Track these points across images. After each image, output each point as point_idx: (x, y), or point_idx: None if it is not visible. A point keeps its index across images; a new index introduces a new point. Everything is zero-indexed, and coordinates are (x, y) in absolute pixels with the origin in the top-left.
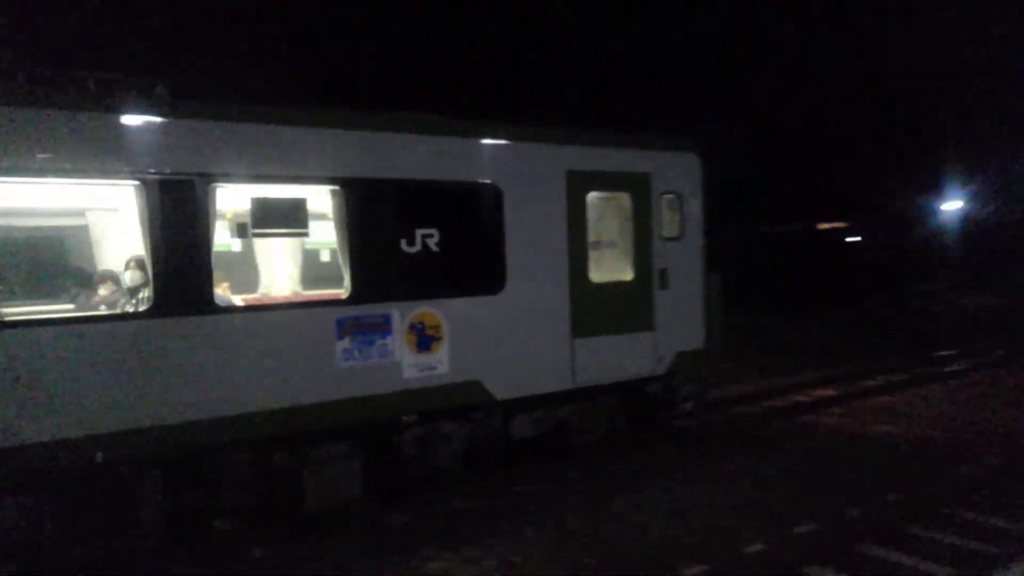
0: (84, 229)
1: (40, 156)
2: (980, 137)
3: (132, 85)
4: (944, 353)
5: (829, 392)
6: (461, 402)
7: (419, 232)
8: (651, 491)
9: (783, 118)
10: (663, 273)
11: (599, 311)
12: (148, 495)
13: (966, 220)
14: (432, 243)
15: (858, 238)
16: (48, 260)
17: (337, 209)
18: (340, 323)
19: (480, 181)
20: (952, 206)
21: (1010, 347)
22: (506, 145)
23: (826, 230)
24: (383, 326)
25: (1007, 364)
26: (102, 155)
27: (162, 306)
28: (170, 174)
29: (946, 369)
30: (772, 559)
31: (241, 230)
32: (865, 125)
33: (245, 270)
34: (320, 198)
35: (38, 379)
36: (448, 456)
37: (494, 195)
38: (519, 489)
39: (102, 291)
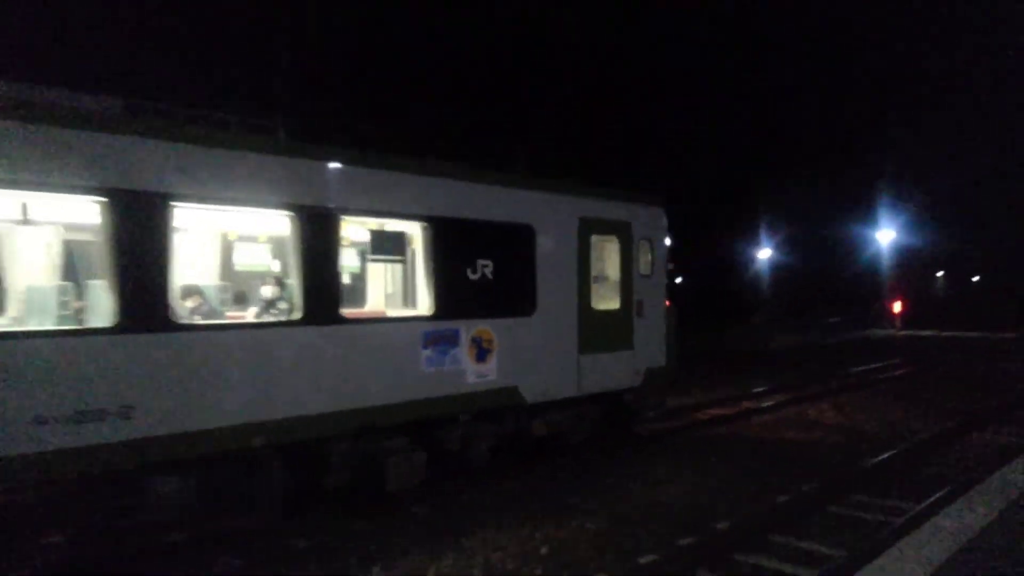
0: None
1: (235, 189)
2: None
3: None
4: (761, 389)
5: (724, 410)
6: (504, 404)
7: (479, 262)
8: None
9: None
10: (640, 304)
11: (597, 333)
12: (277, 475)
13: (775, 267)
14: (488, 271)
15: (679, 280)
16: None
17: (424, 241)
18: (425, 335)
19: (522, 222)
20: (764, 254)
21: (815, 382)
22: (539, 194)
23: None
24: (454, 339)
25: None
26: (274, 189)
27: (307, 317)
28: (314, 207)
29: (783, 398)
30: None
31: (361, 256)
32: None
33: (355, 289)
34: (412, 231)
35: (211, 374)
36: (482, 451)
37: (530, 234)
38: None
39: (189, 303)
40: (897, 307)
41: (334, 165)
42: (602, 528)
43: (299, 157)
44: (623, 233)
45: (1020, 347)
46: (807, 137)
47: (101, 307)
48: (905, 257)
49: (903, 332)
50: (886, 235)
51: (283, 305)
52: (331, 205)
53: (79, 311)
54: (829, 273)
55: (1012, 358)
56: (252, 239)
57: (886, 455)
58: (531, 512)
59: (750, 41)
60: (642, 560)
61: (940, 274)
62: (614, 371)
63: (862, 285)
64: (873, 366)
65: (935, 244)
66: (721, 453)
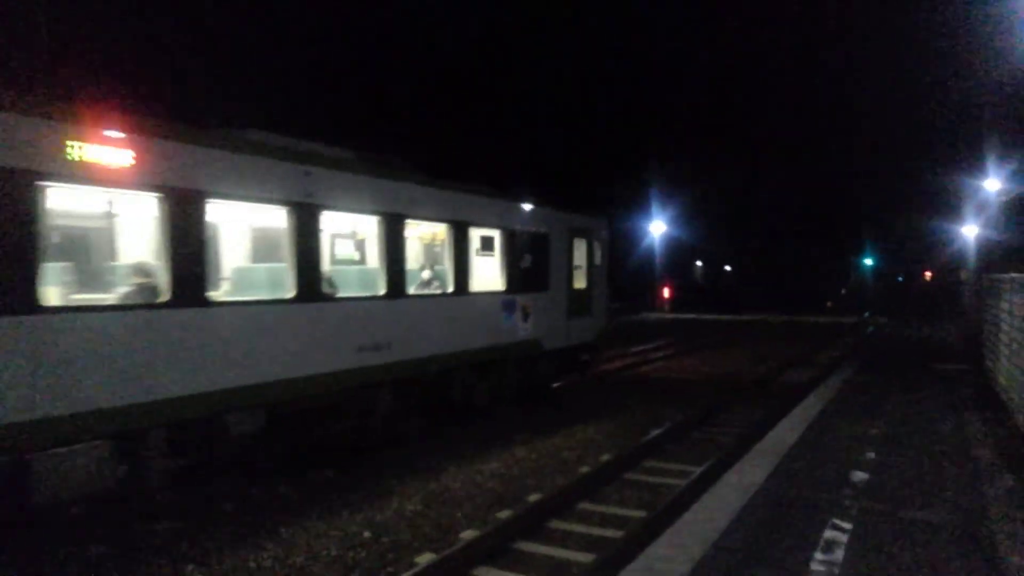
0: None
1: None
2: None
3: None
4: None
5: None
6: (533, 350)
7: (524, 256)
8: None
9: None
10: (595, 284)
11: (576, 304)
12: (414, 398)
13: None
14: (527, 263)
15: None
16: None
17: (501, 243)
18: (502, 303)
19: (544, 231)
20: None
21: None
22: (551, 212)
23: None
24: (513, 306)
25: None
26: (435, 208)
27: (455, 291)
28: (455, 220)
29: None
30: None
31: (474, 252)
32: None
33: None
34: (496, 237)
35: (423, 323)
36: (513, 386)
37: (546, 239)
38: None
39: (426, 274)
40: (666, 293)
41: (470, 196)
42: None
43: (450, 191)
44: (588, 236)
45: (774, 326)
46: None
47: (377, 282)
48: (672, 247)
49: (672, 315)
50: (658, 227)
51: (437, 284)
52: (464, 219)
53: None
54: (612, 261)
55: (774, 336)
56: (425, 240)
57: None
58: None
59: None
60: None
61: (699, 263)
62: (584, 330)
63: (641, 273)
64: (642, 347)
65: (696, 236)
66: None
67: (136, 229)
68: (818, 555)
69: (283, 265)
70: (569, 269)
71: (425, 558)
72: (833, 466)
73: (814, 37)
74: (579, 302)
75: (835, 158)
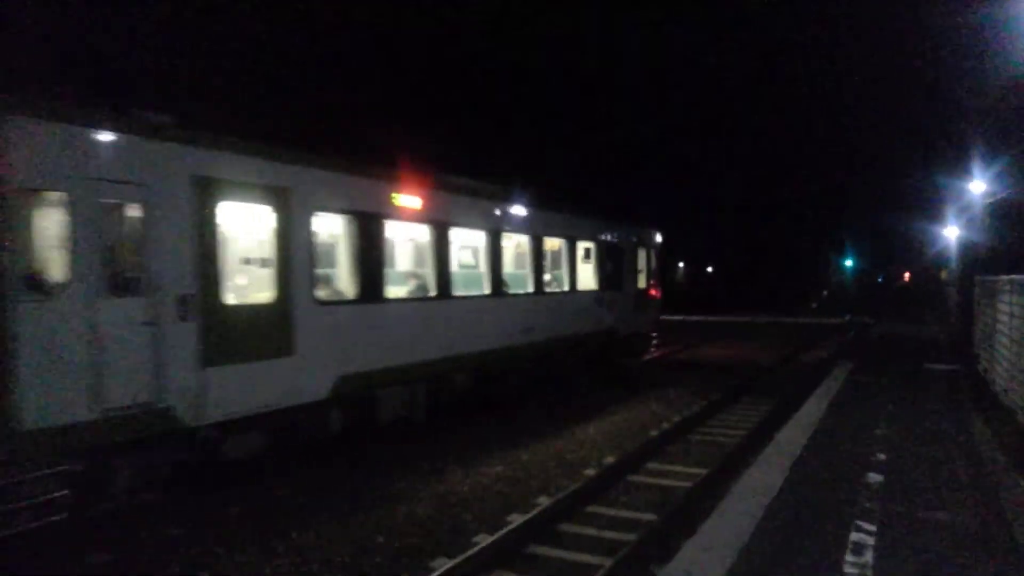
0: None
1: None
2: None
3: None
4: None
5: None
6: (614, 336)
7: (608, 262)
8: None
9: None
10: (652, 284)
11: (639, 300)
12: (544, 369)
13: None
14: (610, 267)
15: None
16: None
17: (595, 252)
18: (595, 298)
19: (620, 242)
20: None
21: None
22: (624, 226)
23: None
24: (602, 300)
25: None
26: (559, 229)
27: (569, 290)
28: (569, 236)
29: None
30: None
31: (580, 259)
32: None
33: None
34: (592, 247)
35: (538, 315)
36: (582, 361)
37: (621, 248)
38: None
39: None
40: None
41: (577, 217)
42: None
43: (566, 213)
44: (647, 245)
45: (760, 327)
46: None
47: (529, 282)
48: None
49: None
50: None
51: (556, 284)
52: (574, 235)
53: (523, 285)
54: None
55: (761, 336)
56: (552, 250)
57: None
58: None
59: None
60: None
61: (681, 264)
62: (644, 320)
63: None
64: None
65: (678, 236)
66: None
67: (414, 248)
68: (849, 557)
69: (482, 271)
70: (635, 272)
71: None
72: (847, 468)
73: (800, 36)
74: (640, 298)
75: (819, 160)
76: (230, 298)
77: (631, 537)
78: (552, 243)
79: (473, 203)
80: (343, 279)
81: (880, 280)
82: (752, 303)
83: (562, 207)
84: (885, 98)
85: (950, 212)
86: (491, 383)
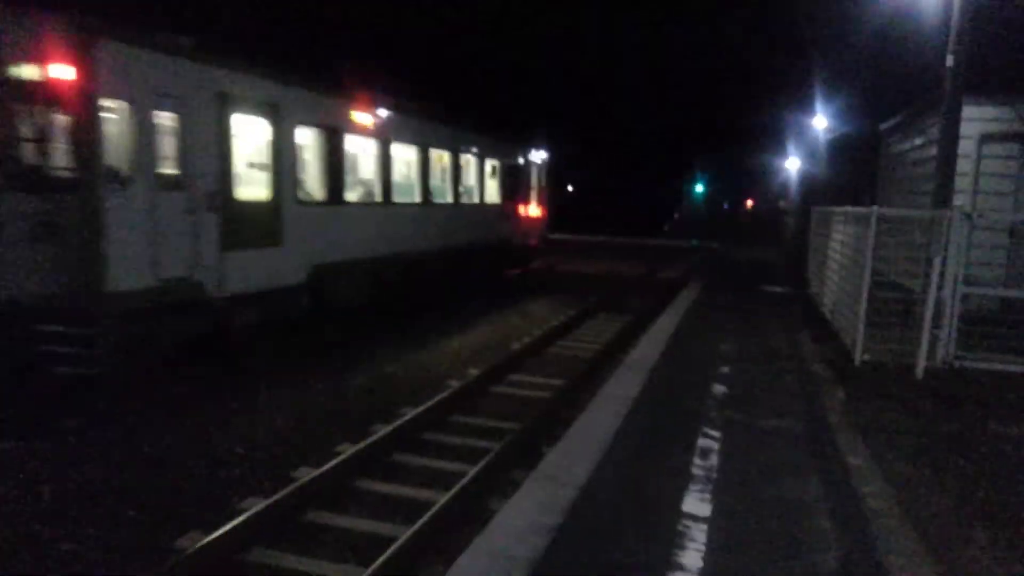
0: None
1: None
2: None
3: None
4: None
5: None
6: (506, 246)
7: (507, 178)
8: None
9: None
10: (541, 202)
11: (532, 216)
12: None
13: None
14: (509, 183)
15: None
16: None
17: (499, 170)
18: (498, 212)
19: (521, 162)
20: None
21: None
22: (524, 147)
23: None
24: (502, 213)
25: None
26: (468, 145)
27: (477, 201)
28: (480, 154)
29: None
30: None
31: (488, 175)
32: None
33: None
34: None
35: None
36: (486, 267)
37: (521, 167)
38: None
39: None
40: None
41: (485, 136)
42: None
43: (475, 132)
44: (537, 165)
45: (618, 248)
46: None
47: (447, 193)
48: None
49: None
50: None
51: (468, 196)
52: (483, 153)
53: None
54: None
55: (621, 256)
56: (462, 166)
57: None
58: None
59: None
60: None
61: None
62: (533, 234)
63: None
64: None
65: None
66: None
67: (366, 158)
68: (696, 460)
69: (415, 182)
70: (528, 188)
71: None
72: (695, 380)
73: None
74: (533, 214)
75: (673, 90)
76: (240, 195)
77: (496, 445)
78: (468, 159)
79: (408, 120)
80: (315, 184)
81: (727, 207)
82: (608, 224)
83: (478, 128)
84: (737, 36)
85: (793, 146)
86: (412, 282)
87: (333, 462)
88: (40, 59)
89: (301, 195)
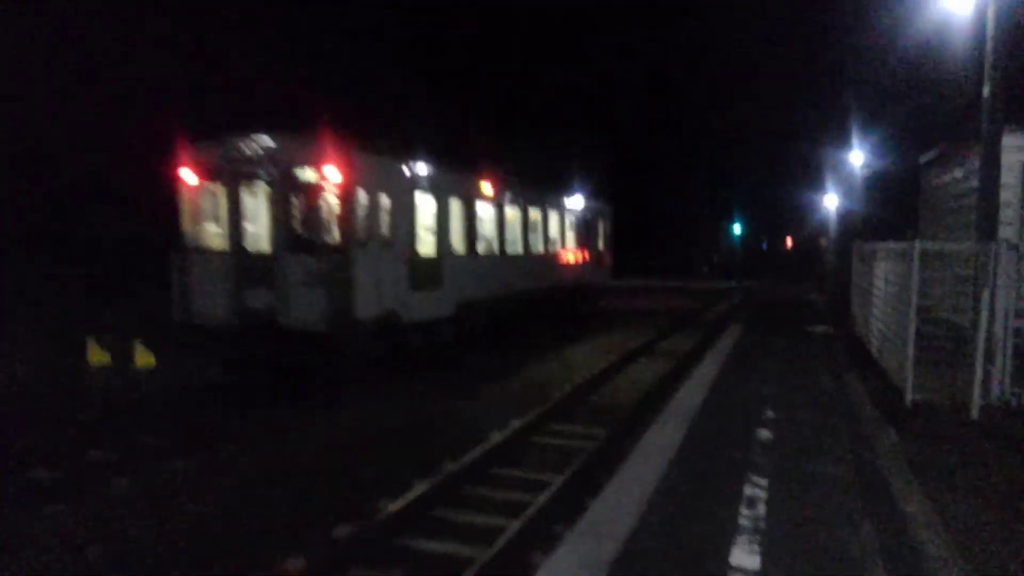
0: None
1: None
2: None
3: None
4: None
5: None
6: (581, 286)
7: (582, 228)
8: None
9: None
10: (608, 248)
11: (603, 259)
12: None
13: None
14: (584, 232)
15: None
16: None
17: (576, 221)
18: (576, 256)
19: (593, 214)
20: None
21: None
22: (594, 201)
23: None
24: (579, 258)
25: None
26: (551, 203)
27: (560, 248)
28: (560, 208)
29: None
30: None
31: (568, 226)
32: None
33: None
34: None
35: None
36: (567, 304)
37: (593, 218)
38: None
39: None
40: None
41: (563, 194)
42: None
43: (556, 192)
44: (604, 216)
45: (656, 291)
46: None
47: (539, 243)
48: None
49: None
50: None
51: (554, 245)
52: (562, 207)
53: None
54: None
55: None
56: (549, 220)
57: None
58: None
59: None
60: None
61: None
62: (602, 277)
63: None
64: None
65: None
66: None
67: (485, 220)
68: (744, 509)
69: (518, 236)
70: (597, 237)
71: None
72: (740, 425)
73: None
74: (602, 259)
75: (711, 128)
76: (420, 251)
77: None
78: (552, 214)
79: (512, 186)
80: (459, 240)
81: (764, 247)
82: (648, 267)
83: (557, 188)
84: (771, 72)
85: (831, 182)
86: (515, 316)
87: (510, 429)
88: (317, 165)
89: (452, 249)
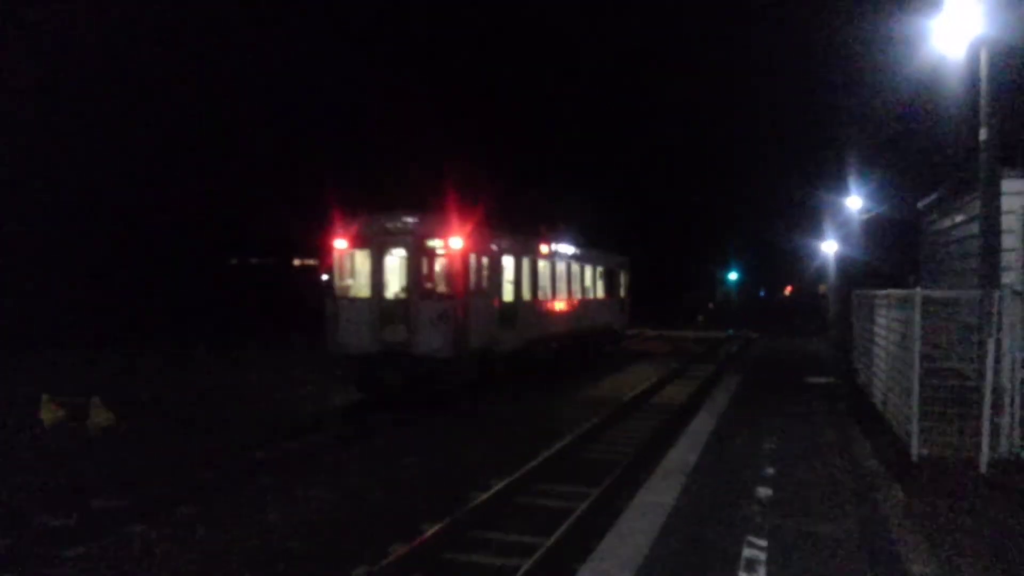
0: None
1: None
2: None
3: None
4: None
5: None
6: (609, 329)
7: (609, 279)
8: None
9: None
10: (628, 296)
11: (623, 306)
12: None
13: None
14: (609, 282)
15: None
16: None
17: (604, 273)
18: (605, 303)
19: (615, 267)
20: None
21: None
22: (615, 255)
23: (301, 267)
24: (608, 304)
25: None
26: (589, 259)
27: (594, 296)
28: (594, 263)
29: None
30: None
31: (598, 276)
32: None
33: None
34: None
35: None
36: (600, 344)
37: (615, 271)
38: None
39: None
40: None
41: (597, 251)
42: None
43: (591, 248)
44: (623, 268)
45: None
46: None
47: (578, 291)
48: None
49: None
50: None
51: (589, 292)
52: (595, 263)
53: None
54: None
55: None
56: (586, 272)
57: None
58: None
59: None
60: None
61: None
62: (623, 321)
63: None
64: None
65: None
66: None
67: (541, 272)
68: (742, 574)
69: (561, 284)
70: (619, 286)
71: None
72: (738, 483)
73: (688, 43)
74: (623, 305)
75: (706, 173)
76: (504, 297)
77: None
78: (586, 267)
79: (558, 245)
80: (526, 289)
81: (762, 294)
82: (638, 314)
83: (590, 245)
84: (765, 117)
85: (829, 227)
86: (561, 351)
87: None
88: (444, 237)
89: (522, 297)
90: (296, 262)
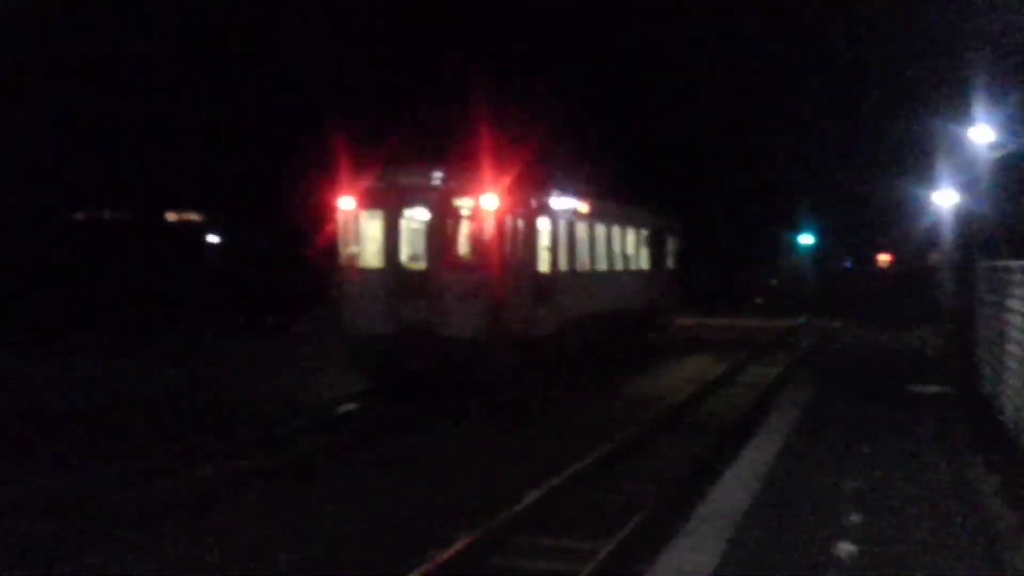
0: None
1: None
2: None
3: None
4: None
5: None
6: (653, 308)
7: (655, 246)
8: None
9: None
10: (679, 266)
11: (675, 278)
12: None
13: None
14: (655, 250)
15: (219, 239)
16: None
17: (648, 238)
18: (650, 275)
19: (662, 230)
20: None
21: None
22: (663, 217)
23: (175, 223)
24: (653, 276)
25: None
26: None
27: (639, 268)
28: (641, 226)
29: None
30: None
31: (643, 242)
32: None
33: None
34: None
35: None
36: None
37: (663, 235)
38: None
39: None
40: None
41: (646, 210)
42: None
43: (638, 207)
44: (674, 232)
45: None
46: None
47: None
48: None
49: None
50: None
51: (635, 263)
52: (643, 225)
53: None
54: None
55: None
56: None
57: None
58: None
59: None
60: None
61: None
62: (672, 299)
63: None
64: None
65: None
66: None
67: (588, 238)
68: None
69: (613, 252)
70: (666, 255)
71: None
72: (809, 538)
73: None
74: (672, 279)
75: (763, 101)
76: (540, 267)
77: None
78: (629, 231)
79: (605, 206)
80: (562, 258)
81: (848, 266)
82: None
83: (638, 202)
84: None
85: (944, 171)
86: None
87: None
88: (475, 194)
89: (557, 267)
90: (171, 216)
